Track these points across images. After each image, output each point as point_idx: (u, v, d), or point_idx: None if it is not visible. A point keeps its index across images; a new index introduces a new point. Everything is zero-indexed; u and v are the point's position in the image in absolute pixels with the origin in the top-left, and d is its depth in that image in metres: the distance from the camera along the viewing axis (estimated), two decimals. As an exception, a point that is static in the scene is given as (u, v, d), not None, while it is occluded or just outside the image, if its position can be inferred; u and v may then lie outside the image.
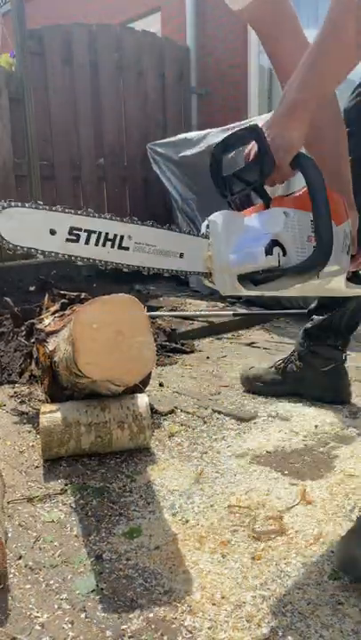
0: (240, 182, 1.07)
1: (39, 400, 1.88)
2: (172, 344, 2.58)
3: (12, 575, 1.03)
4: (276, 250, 1.00)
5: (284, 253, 1.01)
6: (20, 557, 1.08)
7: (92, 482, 1.37)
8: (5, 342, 2.34)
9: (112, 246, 1.03)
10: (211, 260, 1.07)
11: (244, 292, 1.08)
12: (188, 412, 1.80)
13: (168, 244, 1.09)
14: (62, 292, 1.91)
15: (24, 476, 1.41)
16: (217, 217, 1.07)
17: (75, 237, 1.00)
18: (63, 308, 1.77)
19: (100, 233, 1.02)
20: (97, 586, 0.99)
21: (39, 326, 1.72)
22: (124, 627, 0.90)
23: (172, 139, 4.20)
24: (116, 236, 1.03)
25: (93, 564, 1.05)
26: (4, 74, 3.92)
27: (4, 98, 3.92)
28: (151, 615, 0.92)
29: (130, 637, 0.88)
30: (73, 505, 1.27)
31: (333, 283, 1.14)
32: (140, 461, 1.46)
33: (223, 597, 0.95)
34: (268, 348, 2.58)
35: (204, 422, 1.72)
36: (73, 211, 1.02)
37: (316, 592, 0.96)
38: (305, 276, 1.03)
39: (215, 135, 3.69)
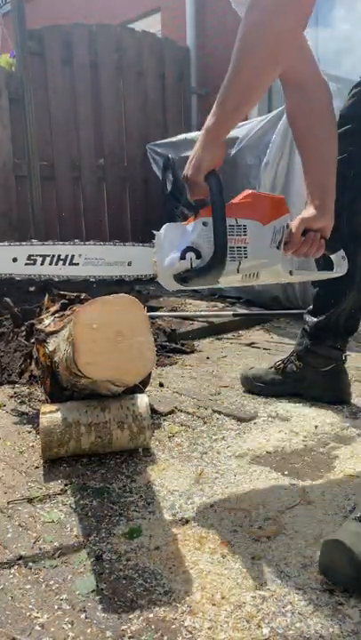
0: (175, 201, 1.24)
1: (39, 400, 1.88)
2: (172, 344, 2.58)
3: (11, 575, 1.03)
4: (190, 255, 1.20)
5: (199, 256, 1.20)
6: (20, 558, 1.08)
7: (91, 482, 1.37)
8: (5, 342, 2.34)
9: (64, 264, 1.28)
10: (156, 264, 1.29)
11: (183, 288, 1.27)
12: (188, 413, 1.80)
13: (116, 256, 1.34)
14: (62, 292, 1.92)
15: (24, 476, 1.41)
16: (162, 229, 1.28)
17: (32, 262, 1.27)
18: (63, 308, 1.77)
19: (52, 255, 1.27)
20: (97, 586, 0.99)
21: (39, 326, 1.72)
22: (124, 627, 0.90)
23: (172, 139, 4.21)
24: (67, 255, 1.28)
25: (93, 565, 1.05)
26: (3, 74, 3.92)
27: (3, 98, 3.92)
28: (151, 615, 0.92)
29: (130, 638, 0.88)
30: (73, 505, 1.27)
31: (265, 274, 1.33)
32: (140, 462, 1.46)
33: (223, 598, 0.95)
34: (269, 349, 2.58)
35: (204, 422, 1.72)
36: (31, 242, 1.31)
37: (316, 592, 0.96)
38: (208, 276, 1.21)
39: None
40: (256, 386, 1.94)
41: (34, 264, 1.27)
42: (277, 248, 1.32)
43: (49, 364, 1.54)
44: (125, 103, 4.56)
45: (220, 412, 1.79)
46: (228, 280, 1.27)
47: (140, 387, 1.55)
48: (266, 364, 2.02)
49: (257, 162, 3.20)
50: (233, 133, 3.34)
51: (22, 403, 1.91)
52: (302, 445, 1.54)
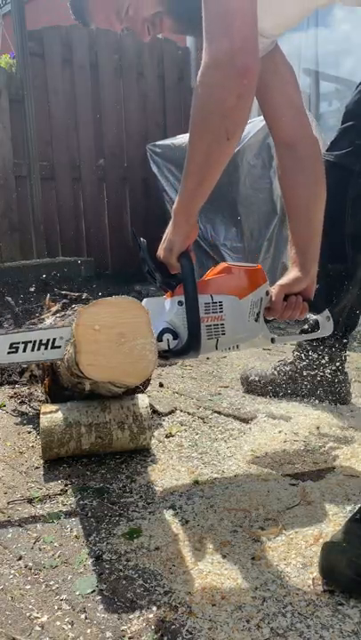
0: (152, 280, 1.29)
1: (39, 401, 1.88)
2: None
3: (11, 576, 1.03)
4: (166, 336, 1.23)
5: (176, 337, 1.22)
6: (20, 558, 1.08)
7: (91, 482, 1.37)
8: (5, 343, 2.34)
9: (46, 348, 1.29)
10: None
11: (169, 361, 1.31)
12: (188, 413, 1.80)
13: None
14: (64, 292, 1.92)
15: (24, 476, 1.41)
16: (143, 304, 1.29)
17: (14, 350, 1.27)
18: (64, 307, 1.77)
19: (34, 341, 1.28)
20: (97, 586, 0.99)
21: (40, 326, 1.72)
22: (123, 627, 0.90)
23: (172, 139, 4.20)
24: (48, 340, 1.29)
25: (93, 565, 1.05)
26: (4, 75, 3.92)
27: (4, 99, 3.93)
28: (151, 616, 0.92)
29: (130, 638, 0.87)
30: (73, 505, 1.27)
31: (246, 345, 1.36)
32: (140, 462, 1.46)
33: (223, 598, 0.95)
34: (269, 349, 2.58)
35: (204, 423, 1.72)
36: (11, 331, 1.33)
37: (316, 592, 0.96)
38: (184, 357, 1.25)
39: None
40: (256, 386, 1.95)
41: (16, 352, 1.28)
42: (256, 320, 1.32)
43: (50, 365, 1.54)
44: (125, 104, 4.56)
45: (220, 413, 1.79)
46: (209, 354, 1.31)
47: (141, 387, 1.55)
48: (266, 364, 2.02)
49: (259, 162, 3.20)
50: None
51: (22, 403, 1.91)
52: (302, 445, 1.54)
